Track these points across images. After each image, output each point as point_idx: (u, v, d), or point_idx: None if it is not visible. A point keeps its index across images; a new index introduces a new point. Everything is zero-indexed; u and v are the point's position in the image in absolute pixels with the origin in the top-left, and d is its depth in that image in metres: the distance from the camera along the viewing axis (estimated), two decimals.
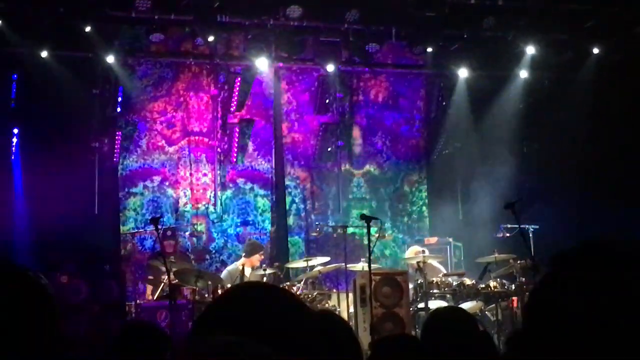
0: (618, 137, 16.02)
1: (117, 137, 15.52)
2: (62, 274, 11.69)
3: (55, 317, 2.77)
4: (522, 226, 11.23)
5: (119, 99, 15.31)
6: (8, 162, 14.90)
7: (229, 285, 12.52)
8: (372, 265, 11.98)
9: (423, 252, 13.76)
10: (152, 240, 15.42)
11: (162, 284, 12.60)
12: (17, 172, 14.90)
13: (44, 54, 14.56)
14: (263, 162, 16.80)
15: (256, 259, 13.90)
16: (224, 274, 13.80)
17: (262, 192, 16.75)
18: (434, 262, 14.09)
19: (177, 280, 12.20)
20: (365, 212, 16.22)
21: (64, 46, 14.77)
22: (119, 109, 15.43)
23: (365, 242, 11.64)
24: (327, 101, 16.57)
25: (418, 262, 13.24)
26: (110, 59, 14.96)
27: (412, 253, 14.22)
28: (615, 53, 16.32)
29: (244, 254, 14.02)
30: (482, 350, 4.54)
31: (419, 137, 17.96)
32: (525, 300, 12.03)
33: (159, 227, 10.93)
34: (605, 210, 15.79)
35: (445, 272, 13.98)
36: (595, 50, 16.34)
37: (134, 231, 15.25)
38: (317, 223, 16.34)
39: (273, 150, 16.78)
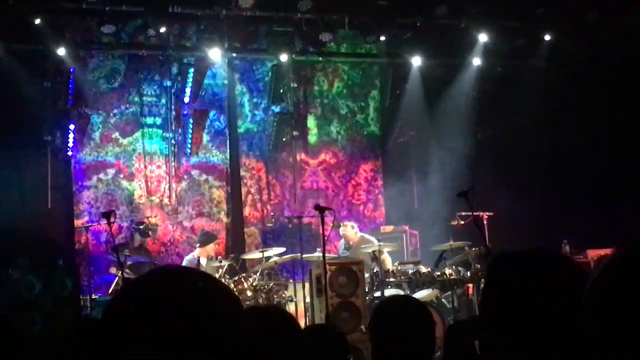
0: (571, 122, 16.17)
1: (70, 130, 15.36)
2: (15, 269, 11.56)
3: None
4: (475, 213, 11.29)
5: (71, 92, 15.13)
6: None
7: None
8: (328, 255, 12.01)
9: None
10: (105, 234, 15.29)
11: (117, 277, 12.54)
12: None
13: None
14: (218, 153, 16.73)
15: (211, 248, 13.94)
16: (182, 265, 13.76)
17: (217, 183, 16.68)
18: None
19: (132, 274, 12.15)
20: (321, 201, 16.25)
21: (14, 39, 14.59)
22: (70, 102, 15.24)
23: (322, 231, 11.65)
24: (282, 91, 16.52)
25: (374, 251, 13.29)
26: (62, 51, 14.79)
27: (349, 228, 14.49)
28: (566, 39, 16.45)
29: (198, 245, 14.02)
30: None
31: (374, 125, 17.98)
32: (480, 287, 12.15)
33: (112, 220, 10.84)
34: (558, 196, 15.97)
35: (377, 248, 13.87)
36: (547, 37, 16.46)
37: (88, 225, 15.11)
38: (272, 214, 16.33)
39: (227, 141, 16.72)
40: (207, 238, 14.02)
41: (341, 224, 14.73)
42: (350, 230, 14.61)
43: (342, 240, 14.85)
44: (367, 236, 14.73)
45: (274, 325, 3.19)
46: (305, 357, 3.20)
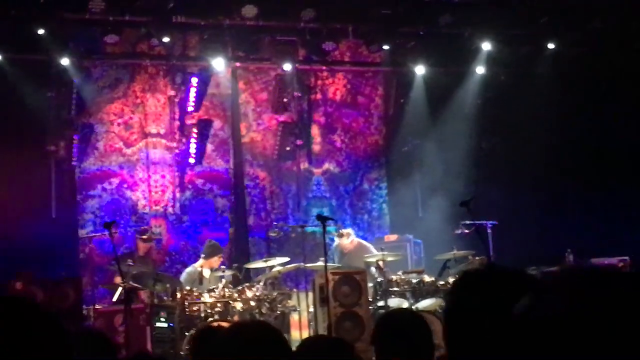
0: (575, 130, 16.12)
1: (73, 140, 15.39)
2: (17, 281, 11.55)
3: None
4: (479, 222, 11.26)
5: (75, 102, 15.15)
6: None
7: (187, 288, 12.48)
8: (332, 264, 11.94)
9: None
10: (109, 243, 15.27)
11: (119, 288, 12.48)
12: None
13: None
14: (222, 163, 16.74)
15: (215, 260, 13.74)
16: (182, 276, 13.65)
17: (221, 192, 16.69)
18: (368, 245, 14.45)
19: (134, 284, 12.12)
20: (325, 210, 16.27)
21: (18, 49, 14.63)
22: (74, 112, 15.26)
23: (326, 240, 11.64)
24: (285, 100, 16.55)
25: (377, 260, 13.27)
26: (65, 61, 14.83)
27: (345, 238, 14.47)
28: (570, 48, 16.43)
29: (203, 256, 13.88)
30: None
31: (378, 134, 17.98)
32: None
33: (114, 231, 10.83)
34: (563, 205, 15.93)
35: (375, 252, 13.95)
36: (551, 46, 16.45)
37: (92, 234, 15.11)
38: (275, 223, 16.31)
39: (232, 150, 16.73)
40: (212, 250, 13.86)
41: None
42: (346, 240, 14.53)
43: (334, 250, 14.79)
44: (365, 243, 14.70)
45: (257, 340, 3.17)
46: None
